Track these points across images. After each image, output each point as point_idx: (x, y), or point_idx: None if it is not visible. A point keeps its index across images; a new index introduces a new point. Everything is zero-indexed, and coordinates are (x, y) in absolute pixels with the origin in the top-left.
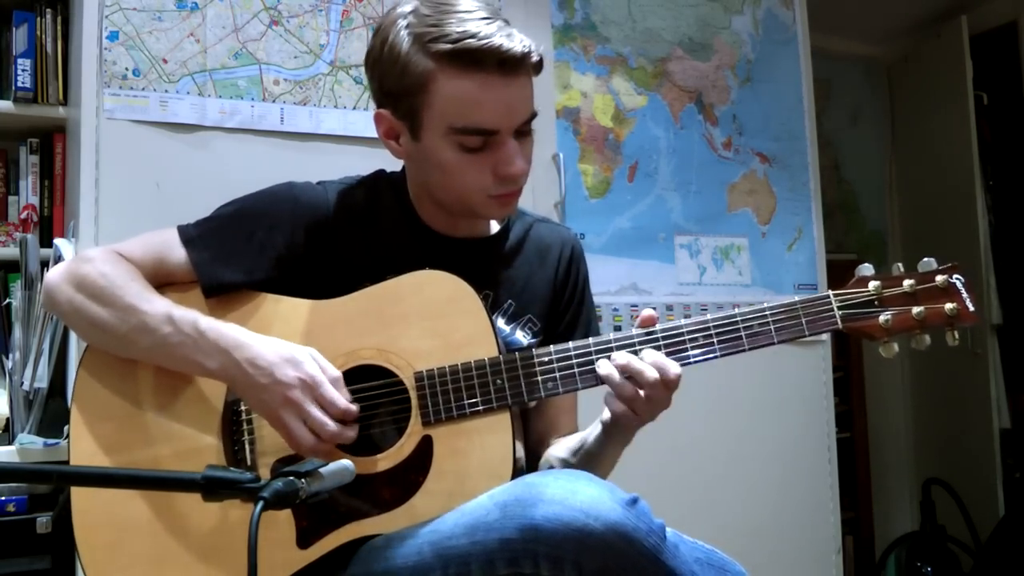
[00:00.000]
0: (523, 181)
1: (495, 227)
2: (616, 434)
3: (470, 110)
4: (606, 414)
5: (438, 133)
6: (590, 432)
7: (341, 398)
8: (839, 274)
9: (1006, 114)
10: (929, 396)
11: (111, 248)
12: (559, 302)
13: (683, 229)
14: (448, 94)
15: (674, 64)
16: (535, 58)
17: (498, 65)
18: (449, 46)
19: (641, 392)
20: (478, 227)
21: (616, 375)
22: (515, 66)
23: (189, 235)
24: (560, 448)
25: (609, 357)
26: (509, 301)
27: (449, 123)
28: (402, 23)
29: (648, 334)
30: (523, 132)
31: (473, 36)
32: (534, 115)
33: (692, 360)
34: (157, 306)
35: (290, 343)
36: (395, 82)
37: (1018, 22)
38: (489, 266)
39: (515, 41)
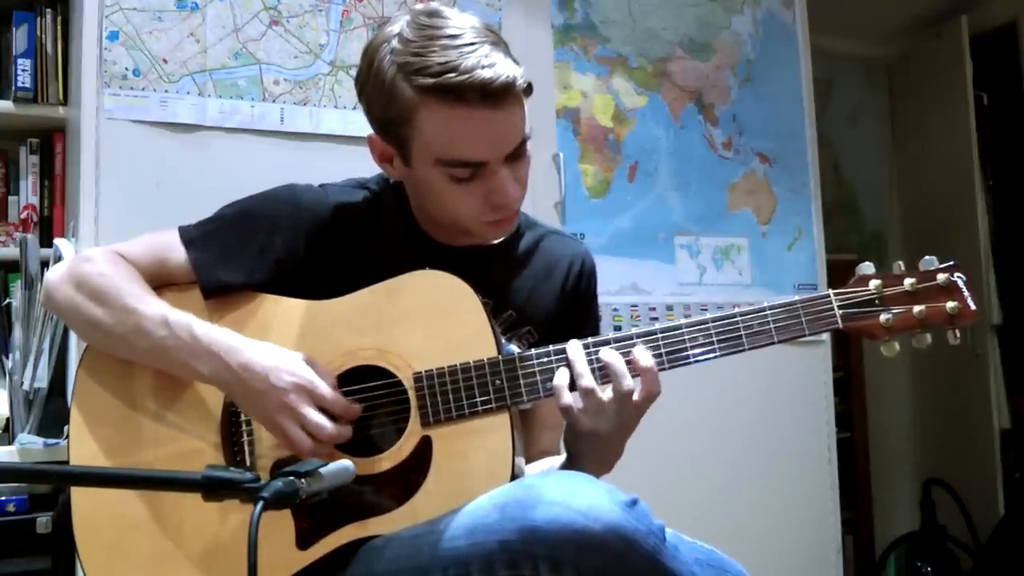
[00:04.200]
0: (517, 205)
1: (497, 239)
2: (578, 452)
3: (456, 144)
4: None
5: (427, 163)
6: (559, 458)
7: (341, 396)
8: (839, 274)
9: (1006, 114)
10: (929, 396)
11: (111, 248)
12: (564, 316)
13: (683, 229)
14: (433, 128)
15: (674, 64)
16: (521, 85)
17: (481, 99)
18: (431, 80)
19: (608, 394)
20: (478, 239)
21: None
22: (499, 98)
23: (190, 236)
24: (533, 468)
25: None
26: (509, 311)
27: (436, 156)
28: (387, 48)
29: (648, 334)
30: (516, 155)
31: (454, 70)
32: (526, 138)
33: (692, 360)
34: (154, 309)
35: (282, 348)
36: (382, 110)
37: (1018, 22)
38: (490, 275)
39: (499, 71)
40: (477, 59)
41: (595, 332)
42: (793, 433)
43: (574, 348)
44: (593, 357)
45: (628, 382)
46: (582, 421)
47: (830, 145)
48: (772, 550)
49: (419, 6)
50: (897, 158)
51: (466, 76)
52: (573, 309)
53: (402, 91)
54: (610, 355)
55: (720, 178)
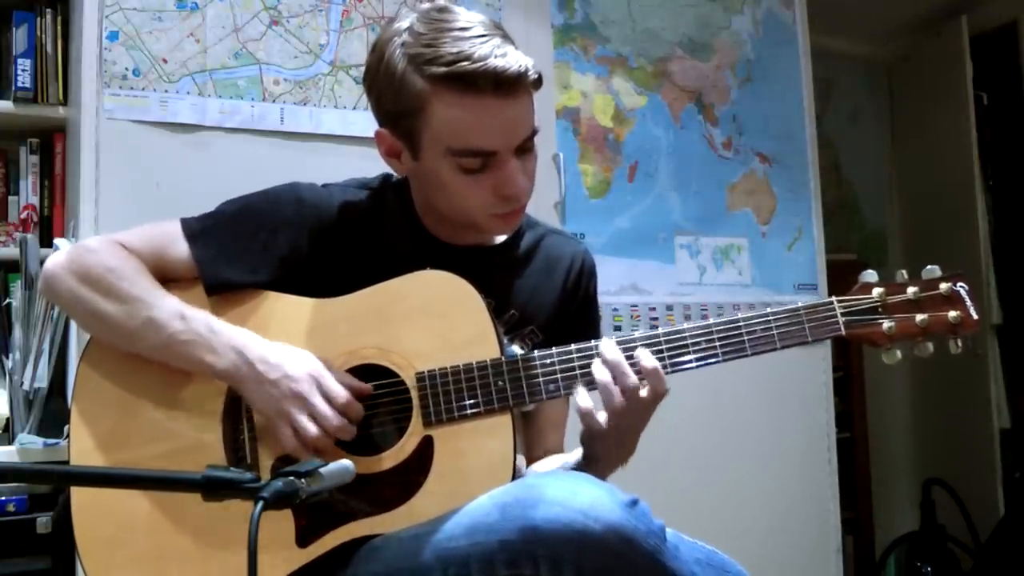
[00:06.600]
0: (526, 198)
1: (502, 236)
2: (594, 455)
3: (467, 133)
4: (584, 435)
5: (437, 154)
6: (571, 456)
7: (345, 391)
8: (839, 274)
9: (1006, 114)
10: (929, 396)
11: (112, 238)
12: (565, 315)
13: (683, 229)
14: (444, 117)
15: (674, 64)
16: (532, 76)
17: (494, 87)
18: (443, 69)
19: (623, 392)
20: (483, 236)
21: (609, 378)
22: (512, 87)
23: (192, 230)
24: (541, 467)
25: (601, 356)
26: (512, 311)
27: (447, 145)
28: (397, 41)
29: (651, 337)
30: (525, 148)
31: (468, 59)
32: (535, 132)
33: (695, 364)
34: (167, 303)
35: (295, 347)
36: (392, 102)
37: (1018, 22)
38: (492, 275)
39: (511, 60)
40: (490, 49)
41: (595, 332)
42: (793, 433)
43: (607, 346)
44: (600, 359)
45: (633, 379)
46: (599, 421)
47: (830, 145)
48: (772, 550)
49: (426, 5)
50: (897, 158)
51: (480, 64)
52: (574, 308)
53: (413, 82)
54: (614, 353)
55: (720, 178)
